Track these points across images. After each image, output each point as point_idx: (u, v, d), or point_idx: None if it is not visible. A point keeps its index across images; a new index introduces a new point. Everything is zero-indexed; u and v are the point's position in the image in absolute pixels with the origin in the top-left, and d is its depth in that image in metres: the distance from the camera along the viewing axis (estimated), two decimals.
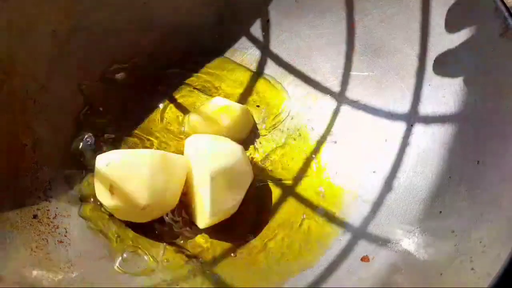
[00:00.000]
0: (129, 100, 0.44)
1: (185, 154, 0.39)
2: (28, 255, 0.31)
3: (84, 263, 0.33)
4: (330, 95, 0.44)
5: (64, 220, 0.35)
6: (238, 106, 0.43)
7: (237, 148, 0.38)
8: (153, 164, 0.34)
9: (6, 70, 0.37)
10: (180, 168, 0.36)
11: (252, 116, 0.45)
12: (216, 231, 0.37)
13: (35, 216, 0.34)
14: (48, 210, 0.35)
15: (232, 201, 0.36)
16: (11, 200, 0.33)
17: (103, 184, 0.34)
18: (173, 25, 0.46)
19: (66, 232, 0.34)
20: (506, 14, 0.33)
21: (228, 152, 0.37)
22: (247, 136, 0.44)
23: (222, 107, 0.42)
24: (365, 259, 0.34)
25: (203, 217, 0.35)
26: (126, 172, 0.34)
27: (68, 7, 0.40)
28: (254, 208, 0.39)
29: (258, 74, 0.47)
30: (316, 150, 0.42)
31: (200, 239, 0.37)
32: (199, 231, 0.37)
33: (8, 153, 0.35)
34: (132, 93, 0.44)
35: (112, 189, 0.34)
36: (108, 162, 0.34)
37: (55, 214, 0.35)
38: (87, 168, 0.39)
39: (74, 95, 0.41)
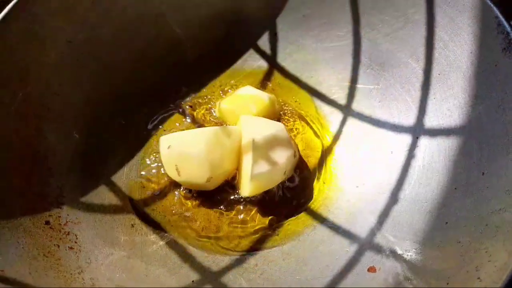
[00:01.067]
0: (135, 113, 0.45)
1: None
2: (40, 260, 0.31)
3: (94, 269, 0.33)
4: (336, 107, 0.45)
5: (74, 227, 0.35)
6: (266, 96, 0.44)
7: (279, 124, 0.41)
8: (207, 140, 0.38)
9: (22, 77, 0.37)
10: (232, 137, 0.39)
11: (279, 106, 0.46)
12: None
13: (47, 222, 0.34)
14: (60, 216, 0.35)
15: (273, 167, 0.37)
16: (24, 206, 0.34)
17: (169, 164, 0.39)
18: (183, 37, 0.47)
19: (77, 238, 0.35)
20: (509, 29, 0.33)
21: (271, 124, 0.40)
22: None
23: (251, 96, 0.44)
24: (372, 269, 0.34)
25: (246, 183, 0.38)
26: (186, 152, 0.38)
27: (83, 19, 0.41)
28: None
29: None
30: (323, 163, 0.43)
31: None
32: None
33: (21, 160, 0.36)
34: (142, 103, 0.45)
35: (178, 168, 0.38)
36: (169, 144, 0.38)
37: (66, 221, 0.35)
38: (98, 174, 0.40)
39: (86, 102, 0.42)
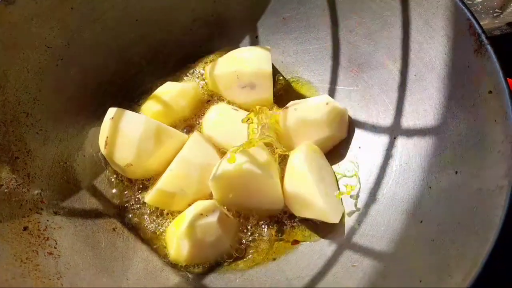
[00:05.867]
0: None
1: None
2: (18, 266, 0.31)
3: (73, 274, 0.33)
4: None
5: (54, 232, 0.35)
6: (190, 86, 0.45)
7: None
8: (145, 129, 0.38)
9: (0, 84, 0.37)
10: (173, 141, 0.40)
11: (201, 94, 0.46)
12: None
13: (25, 228, 0.34)
14: (39, 222, 0.35)
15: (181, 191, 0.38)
16: (2, 212, 0.34)
17: (103, 133, 0.39)
18: (165, 41, 0.47)
19: (56, 244, 0.35)
20: (480, 31, 0.34)
21: (212, 154, 0.40)
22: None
23: (177, 91, 0.44)
24: None
25: (152, 190, 0.39)
26: (121, 130, 0.38)
27: (62, 24, 0.41)
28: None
29: None
30: None
31: None
32: None
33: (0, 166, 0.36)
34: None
35: (107, 140, 0.38)
36: (112, 116, 0.39)
37: (45, 226, 0.35)
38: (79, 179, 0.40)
39: (67, 107, 0.42)
